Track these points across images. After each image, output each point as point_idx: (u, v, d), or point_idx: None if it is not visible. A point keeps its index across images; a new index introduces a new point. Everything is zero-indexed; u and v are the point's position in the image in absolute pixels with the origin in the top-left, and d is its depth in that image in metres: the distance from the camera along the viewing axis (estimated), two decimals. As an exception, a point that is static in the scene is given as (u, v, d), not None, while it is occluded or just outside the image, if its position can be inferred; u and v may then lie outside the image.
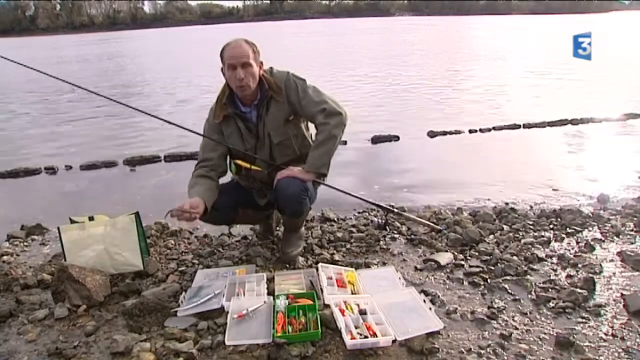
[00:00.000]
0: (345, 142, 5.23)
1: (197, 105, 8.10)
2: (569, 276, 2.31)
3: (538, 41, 20.96)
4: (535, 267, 2.41)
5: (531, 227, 2.93)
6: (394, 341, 1.80)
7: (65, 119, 7.99)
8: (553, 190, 3.75)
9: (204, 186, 2.30)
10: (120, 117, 7.61)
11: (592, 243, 2.65)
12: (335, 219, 3.24)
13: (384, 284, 2.24)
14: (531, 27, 32.88)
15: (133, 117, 7.19)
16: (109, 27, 79.14)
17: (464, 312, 2.03)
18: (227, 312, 1.98)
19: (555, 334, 1.84)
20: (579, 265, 2.40)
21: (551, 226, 2.93)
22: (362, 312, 1.93)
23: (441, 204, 3.55)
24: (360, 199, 2.75)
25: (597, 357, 1.72)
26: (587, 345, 1.78)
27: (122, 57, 22.36)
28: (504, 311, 2.03)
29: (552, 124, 5.97)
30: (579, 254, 2.55)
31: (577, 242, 2.70)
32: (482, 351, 1.78)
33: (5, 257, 2.82)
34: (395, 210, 2.82)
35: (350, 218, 3.28)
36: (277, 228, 2.95)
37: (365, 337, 1.80)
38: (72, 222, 2.46)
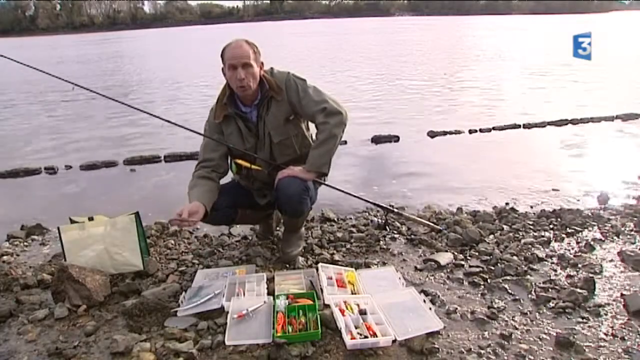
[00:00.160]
0: (345, 142, 5.24)
1: (197, 105, 8.11)
2: (569, 276, 2.31)
3: (538, 41, 20.97)
4: (535, 267, 2.41)
5: (531, 227, 2.93)
6: (394, 341, 1.80)
7: (66, 119, 7.99)
8: (553, 190, 3.75)
9: (204, 187, 2.30)
10: (120, 117, 7.61)
11: (592, 243, 2.65)
12: (335, 219, 3.24)
13: (384, 284, 2.24)
14: (531, 27, 32.89)
15: (133, 117, 7.19)
16: (109, 27, 79.19)
17: (464, 312, 2.03)
18: (227, 312, 1.98)
19: (555, 334, 1.84)
20: (579, 265, 2.40)
21: (551, 226, 2.93)
22: (362, 312, 1.93)
23: (441, 204, 3.55)
24: (361, 198, 2.75)
25: (597, 357, 1.72)
26: (587, 345, 1.78)
27: (122, 57, 22.36)
28: (504, 311, 2.03)
29: (552, 124, 5.98)
30: (579, 254, 2.55)
31: (577, 242, 2.70)
32: (482, 351, 1.78)
33: (5, 257, 2.82)
34: (395, 210, 2.82)
35: (350, 218, 3.28)
36: (277, 228, 2.95)
37: (365, 337, 1.80)
38: (72, 222, 2.46)
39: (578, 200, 3.51)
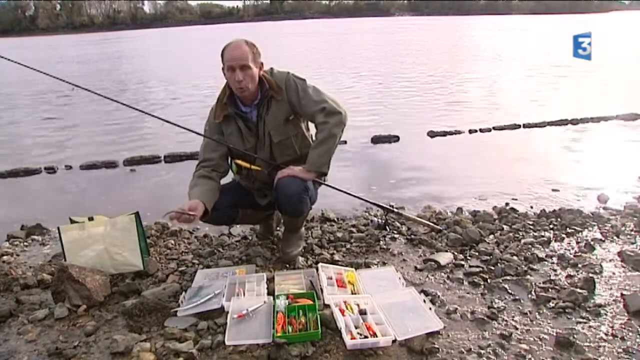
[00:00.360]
0: (345, 142, 5.24)
1: (197, 105, 8.10)
2: (569, 276, 2.31)
3: (538, 41, 20.97)
4: (535, 267, 2.41)
5: (531, 227, 2.93)
6: (394, 341, 1.80)
7: (66, 119, 7.99)
8: (553, 190, 3.75)
9: (204, 187, 2.30)
10: (120, 117, 7.61)
11: (592, 243, 2.65)
12: (335, 219, 3.24)
13: (384, 284, 2.24)
14: (531, 27, 32.89)
15: (133, 117, 7.18)
16: (109, 27, 79.15)
17: (464, 312, 2.03)
18: (227, 312, 1.98)
19: (555, 334, 1.84)
20: (579, 265, 2.40)
21: (551, 226, 2.93)
22: (362, 312, 1.93)
23: (441, 204, 3.55)
24: (361, 198, 2.75)
25: (597, 357, 1.72)
26: (587, 345, 1.78)
27: (122, 57, 22.35)
28: (504, 311, 2.03)
29: (552, 124, 5.98)
30: (579, 254, 2.55)
31: (577, 242, 2.70)
32: (482, 351, 1.78)
33: (5, 257, 2.82)
34: (395, 210, 2.82)
35: (350, 218, 3.28)
36: (277, 228, 2.95)
37: (365, 337, 1.80)
38: (72, 222, 2.46)
39: (578, 200, 3.51)
